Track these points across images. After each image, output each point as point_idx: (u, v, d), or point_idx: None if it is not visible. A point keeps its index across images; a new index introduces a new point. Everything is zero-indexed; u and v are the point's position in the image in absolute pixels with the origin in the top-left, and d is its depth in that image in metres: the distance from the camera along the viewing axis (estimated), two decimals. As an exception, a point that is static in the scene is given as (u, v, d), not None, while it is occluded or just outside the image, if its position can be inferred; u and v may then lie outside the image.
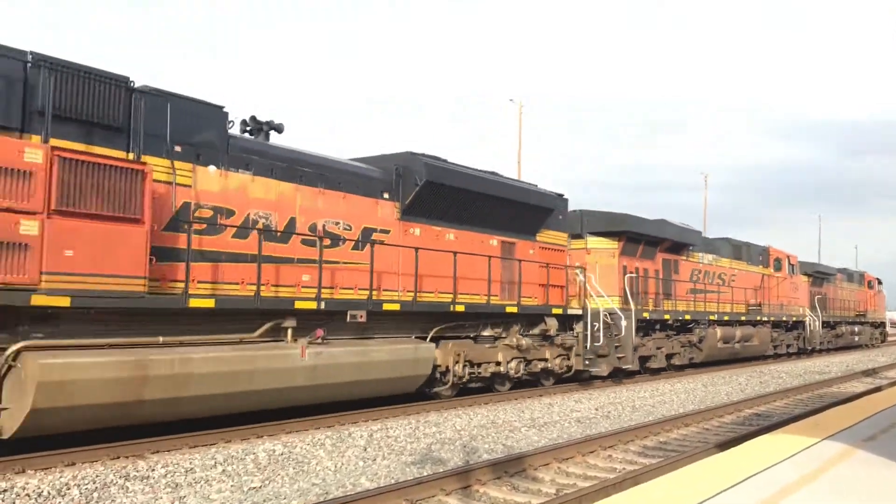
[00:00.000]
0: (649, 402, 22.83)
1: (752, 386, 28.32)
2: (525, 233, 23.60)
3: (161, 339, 13.93)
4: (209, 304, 14.29)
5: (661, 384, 27.41)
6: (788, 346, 44.55)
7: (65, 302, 12.13)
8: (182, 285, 14.24)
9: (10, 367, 12.05)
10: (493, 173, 22.53)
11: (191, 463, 12.84)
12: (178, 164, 14.75)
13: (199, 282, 14.78)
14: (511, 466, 13.13)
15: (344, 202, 18.11)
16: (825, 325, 50.37)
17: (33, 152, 12.05)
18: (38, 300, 11.89)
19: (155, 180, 14.05)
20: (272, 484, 11.84)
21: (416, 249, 19.27)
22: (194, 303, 14.05)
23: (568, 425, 18.29)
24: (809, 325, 47.28)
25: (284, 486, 11.77)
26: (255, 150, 16.48)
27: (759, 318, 39.19)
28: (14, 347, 12.09)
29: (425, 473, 12.73)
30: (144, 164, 13.47)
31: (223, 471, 12.57)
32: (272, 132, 17.57)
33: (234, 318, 15.42)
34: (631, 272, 29.21)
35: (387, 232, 19.07)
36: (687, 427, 18.68)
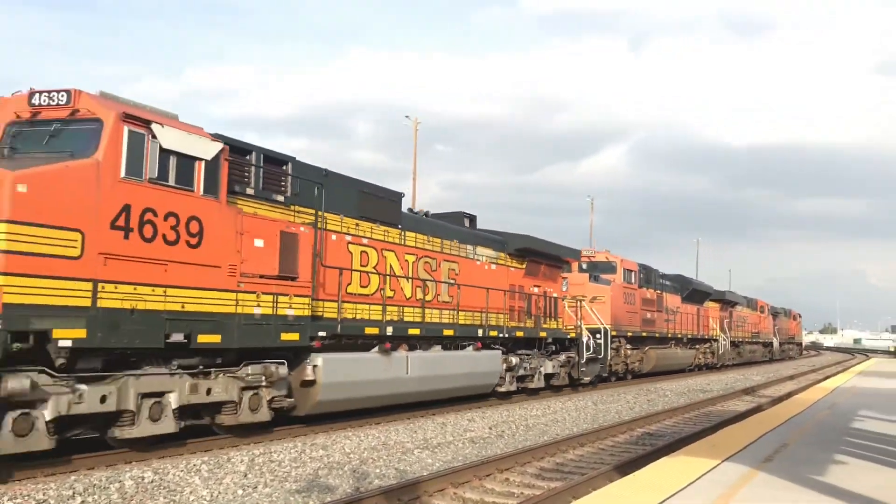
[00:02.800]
0: (542, 421, 21.83)
1: (640, 404, 27.64)
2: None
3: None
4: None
5: (552, 402, 26.49)
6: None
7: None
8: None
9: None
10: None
11: (45, 494, 11.19)
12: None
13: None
14: (405, 493, 11.89)
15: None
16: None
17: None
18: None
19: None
20: (137, 516, 10.31)
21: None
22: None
23: (462, 446, 17.12)
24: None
25: (151, 518, 10.26)
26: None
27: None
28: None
29: (311, 503, 11.36)
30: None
31: (82, 502, 10.97)
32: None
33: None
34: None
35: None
36: (583, 447, 17.76)
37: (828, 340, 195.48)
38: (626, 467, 13.97)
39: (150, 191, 14.05)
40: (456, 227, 24.52)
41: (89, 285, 12.98)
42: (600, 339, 31.26)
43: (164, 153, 14.32)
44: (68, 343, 12.59)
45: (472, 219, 26.12)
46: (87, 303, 12.93)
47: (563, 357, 29.09)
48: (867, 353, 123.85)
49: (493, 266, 25.37)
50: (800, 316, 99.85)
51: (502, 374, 25.13)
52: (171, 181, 14.43)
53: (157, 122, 14.26)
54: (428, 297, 21.64)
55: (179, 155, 14.57)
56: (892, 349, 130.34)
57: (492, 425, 20.28)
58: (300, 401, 17.45)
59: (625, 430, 20.61)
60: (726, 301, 56.91)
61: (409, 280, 20.97)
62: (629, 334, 37.97)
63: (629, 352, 38.08)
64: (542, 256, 28.10)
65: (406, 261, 21.09)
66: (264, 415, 16.48)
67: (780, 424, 16.33)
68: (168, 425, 14.51)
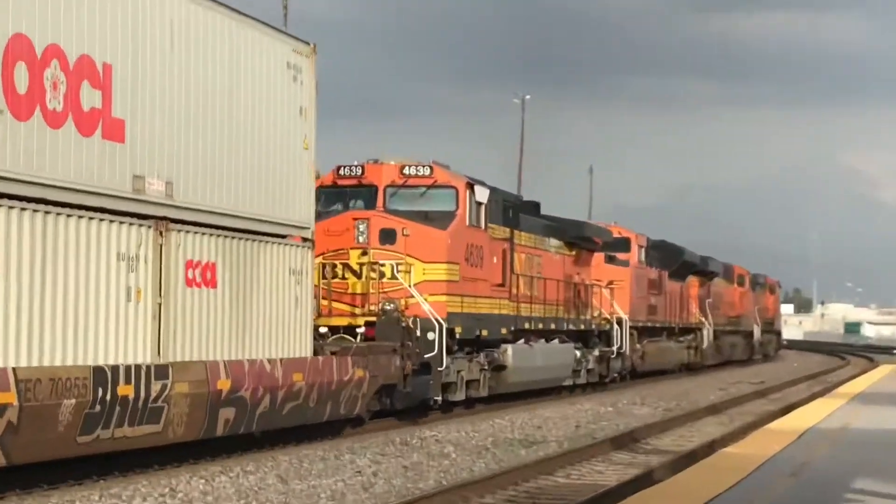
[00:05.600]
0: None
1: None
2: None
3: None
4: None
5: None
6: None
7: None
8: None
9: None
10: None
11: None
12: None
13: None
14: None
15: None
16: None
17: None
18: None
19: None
20: None
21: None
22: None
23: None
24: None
25: None
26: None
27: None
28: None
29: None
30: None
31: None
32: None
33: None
34: None
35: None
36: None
37: (792, 327, 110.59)
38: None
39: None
40: (535, 218, 26.51)
41: (460, 299, 19.74)
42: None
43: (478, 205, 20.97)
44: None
45: (538, 206, 27.85)
46: (460, 309, 19.70)
47: (597, 352, 29.85)
48: (873, 350, 75.89)
49: (557, 256, 27.22)
50: (779, 286, 71.94)
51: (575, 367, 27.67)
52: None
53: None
54: (536, 293, 27.63)
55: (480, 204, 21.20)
56: None
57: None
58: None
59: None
60: (707, 272, 44.51)
61: (530, 279, 26.94)
62: (640, 325, 34.11)
63: (637, 346, 33.75)
64: (587, 242, 28.85)
65: (521, 259, 27.00)
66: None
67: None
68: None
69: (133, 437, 11.53)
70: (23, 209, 10.13)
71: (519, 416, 21.16)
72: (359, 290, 19.27)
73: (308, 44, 15.22)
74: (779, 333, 67.46)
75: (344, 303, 19.34)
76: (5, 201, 9.99)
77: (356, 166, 20.51)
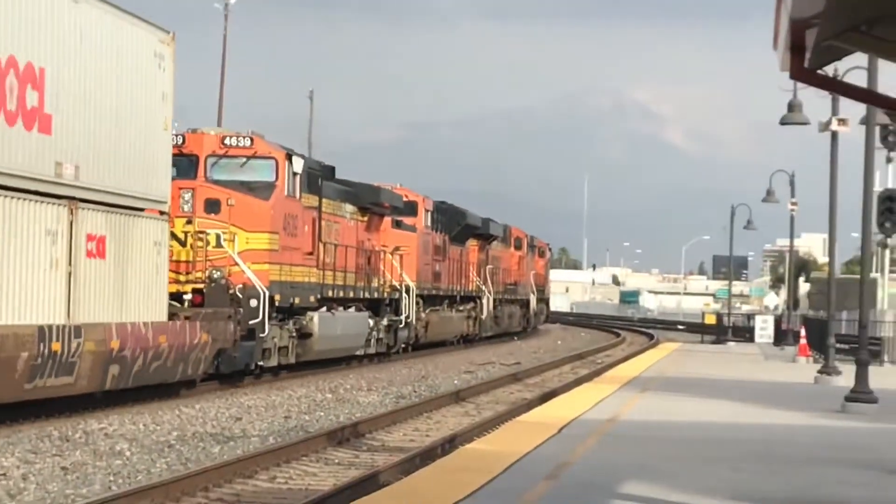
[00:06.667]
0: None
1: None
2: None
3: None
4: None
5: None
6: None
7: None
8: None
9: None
10: None
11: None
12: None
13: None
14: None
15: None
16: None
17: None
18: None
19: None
20: None
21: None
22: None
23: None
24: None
25: None
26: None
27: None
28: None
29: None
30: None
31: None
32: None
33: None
34: None
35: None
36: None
37: (557, 296, 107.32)
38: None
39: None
40: (334, 185, 31.55)
41: (279, 267, 25.36)
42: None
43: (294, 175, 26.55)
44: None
45: (333, 170, 32.62)
46: (279, 278, 25.32)
47: (386, 321, 35.65)
48: (653, 325, 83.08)
49: (352, 222, 32.59)
50: (549, 250, 77.99)
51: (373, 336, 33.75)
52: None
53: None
54: (337, 261, 33.37)
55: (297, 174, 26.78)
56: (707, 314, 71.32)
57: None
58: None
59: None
60: (487, 236, 49.54)
61: (333, 247, 32.65)
62: (425, 293, 39.34)
63: (422, 315, 38.93)
64: (379, 207, 34.31)
65: (325, 227, 32.55)
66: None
67: None
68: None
69: (54, 387, 16.63)
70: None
71: (213, 405, 20.74)
72: (183, 258, 24.29)
73: (169, 33, 20.36)
74: (547, 300, 71.26)
75: (170, 270, 24.45)
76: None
77: (177, 135, 25.52)
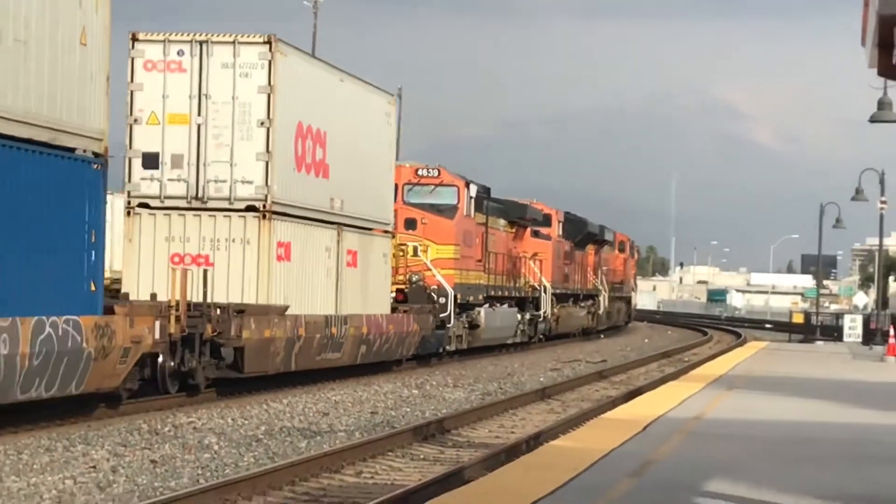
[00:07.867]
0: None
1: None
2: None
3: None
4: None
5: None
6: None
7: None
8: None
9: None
10: None
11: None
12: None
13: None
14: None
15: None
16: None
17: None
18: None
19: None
20: None
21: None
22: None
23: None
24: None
25: None
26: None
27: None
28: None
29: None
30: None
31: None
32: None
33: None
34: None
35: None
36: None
37: (644, 294, 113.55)
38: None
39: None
40: (492, 203, 38.28)
41: (460, 272, 31.80)
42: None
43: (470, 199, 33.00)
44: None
45: (489, 191, 38.45)
46: (460, 280, 31.78)
47: (528, 315, 43.10)
48: (741, 324, 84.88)
49: (504, 233, 40.45)
50: (638, 251, 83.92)
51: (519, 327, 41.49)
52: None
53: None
54: (498, 266, 39.95)
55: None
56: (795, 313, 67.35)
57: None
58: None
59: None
60: (601, 241, 57.87)
61: (494, 255, 39.30)
62: (557, 291, 47.10)
63: (555, 311, 46.80)
64: (524, 220, 42.51)
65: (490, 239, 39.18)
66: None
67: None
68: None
69: (329, 360, 23.19)
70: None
71: (300, 400, 21.05)
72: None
73: (393, 95, 26.95)
74: (629, 299, 72.67)
75: (378, 275, 31.15)
76: (288, 219, 21.51)
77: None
